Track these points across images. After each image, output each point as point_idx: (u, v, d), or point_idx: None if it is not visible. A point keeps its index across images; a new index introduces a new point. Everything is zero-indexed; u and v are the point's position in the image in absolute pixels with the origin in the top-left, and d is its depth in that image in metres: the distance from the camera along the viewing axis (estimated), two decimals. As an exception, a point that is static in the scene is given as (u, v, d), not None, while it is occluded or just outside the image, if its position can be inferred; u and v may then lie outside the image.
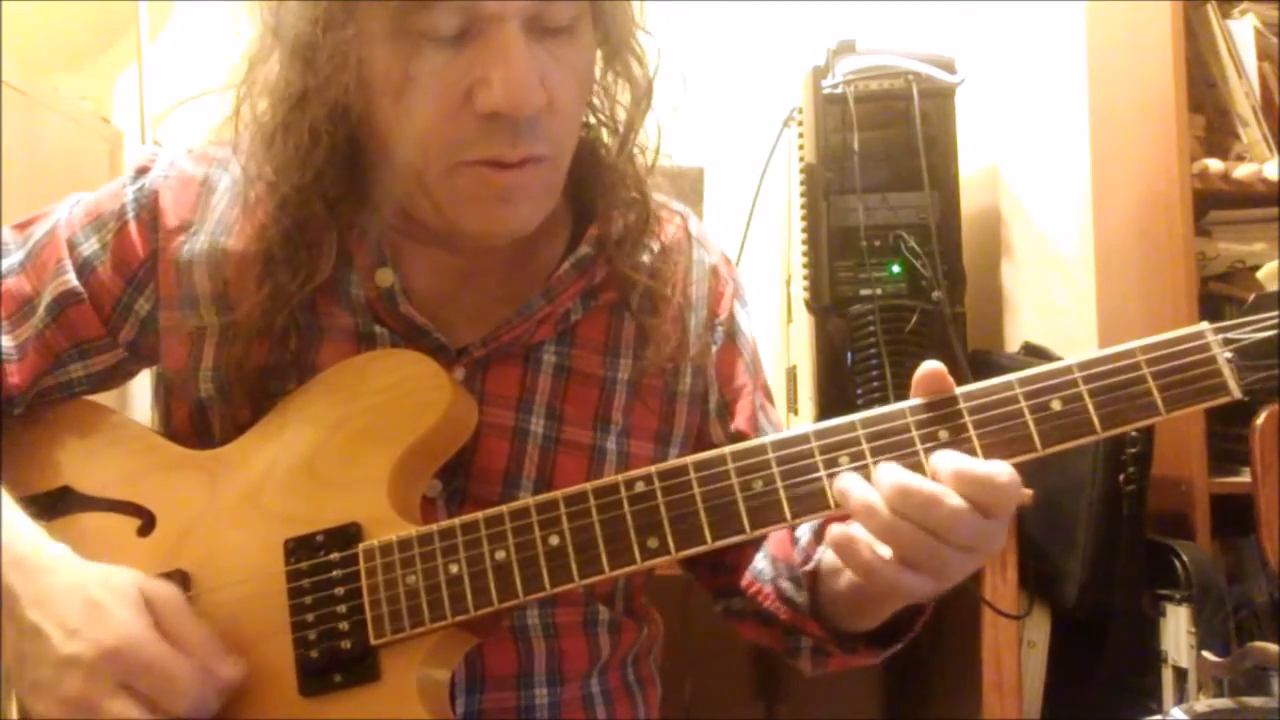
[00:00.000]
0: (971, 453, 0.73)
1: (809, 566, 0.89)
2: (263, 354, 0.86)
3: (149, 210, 0.91)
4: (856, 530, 0.73)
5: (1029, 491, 1.62)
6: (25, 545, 0.80)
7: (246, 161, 0.87)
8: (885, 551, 0.73)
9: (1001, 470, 0.71)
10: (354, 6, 0.77)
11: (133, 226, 0.91)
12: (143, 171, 0.94)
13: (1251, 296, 0.71)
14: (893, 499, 0.71)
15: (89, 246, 0.92)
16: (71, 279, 0.91)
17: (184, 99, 2.02)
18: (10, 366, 0.90)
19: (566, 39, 0.80)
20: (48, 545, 0.81)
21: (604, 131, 0.93)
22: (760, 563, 0.96)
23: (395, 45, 0.78)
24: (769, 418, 1.01)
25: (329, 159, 0.84)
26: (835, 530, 0.75)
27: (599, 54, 0.87)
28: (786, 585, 0.92)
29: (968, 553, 0.72)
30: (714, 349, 0.98)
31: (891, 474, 0.72)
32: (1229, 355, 0.71)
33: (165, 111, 2.05)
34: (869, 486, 0.72)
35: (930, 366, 0.75)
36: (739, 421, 0.98)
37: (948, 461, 0.72)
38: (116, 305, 0.91)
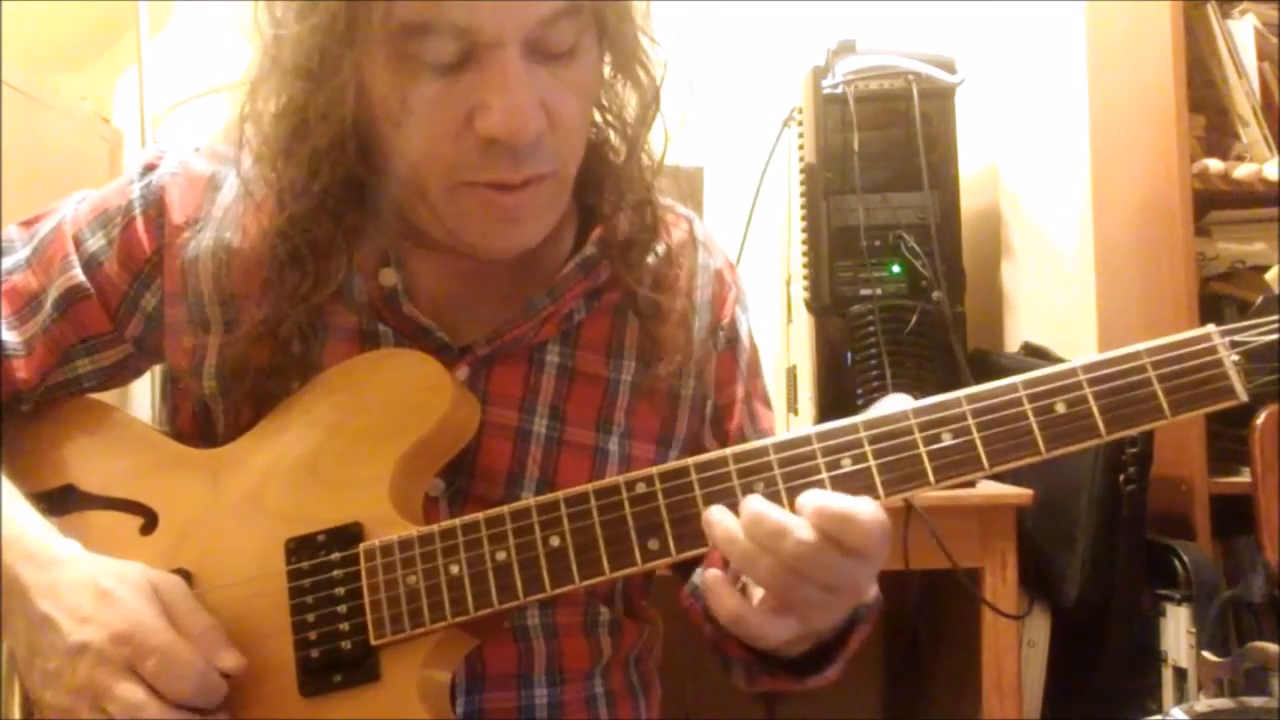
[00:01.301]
0: (974, 455, 0.72)
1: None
2: (266, 354, 0.86)
3: (155, 206, 0.91)
4: (721, 576, 0.73)
5: (1028, 492, 1.65)
6: (35, 539, 0.81)
7: (253, 181, 0.87)
8: (754, 595, 0.72)
9: (862, 508, 0.70)
10: (353, 35, 0.77)
11: (139, 222, 0.91)
12: (150, 168, 0.94)
13: (1259, 298, 0.71)
14: (747, 527, 0.71)
15: (95, 242, 0.92)
16: (78, 274, 0.91)
17: (184, 99, 2.01)
18: (18, 362, 0.91)
19: (568, 60, 0.80)
20: (58, 540, 0.81)
21: (611, 133, 0.92)
22: (696, 575, 0.96)
23: (395, 72, 0.77)
24: (757, 428, 1.00)
25: (334, 176, 0.84)
26: (707, 575, 0.75)
27: (607, 60, 0.87)
28: None
29: (829, 592, 0.71)
30: (715, 354, 0.98)
31: (752, 504, 0.72)
32: (1235, 358, 0.70)
33: (165, 111, 2.05)
34: (731, 516, 0.72)
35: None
36: (731, 430, 0.98)
37: (811, 497, 0.71)
38: (123, 300, 0.91)
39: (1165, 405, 0.71)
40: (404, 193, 0.84)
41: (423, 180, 0.81)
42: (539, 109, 0.77)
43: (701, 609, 0.94)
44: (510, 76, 0.76)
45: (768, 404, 1.04)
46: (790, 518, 0.70)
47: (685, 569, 1.00)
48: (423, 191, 0.82)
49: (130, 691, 0.73)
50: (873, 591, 0.83)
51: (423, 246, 0.90)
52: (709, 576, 0.74)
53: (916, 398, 0.75)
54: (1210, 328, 0.71)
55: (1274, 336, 0.69)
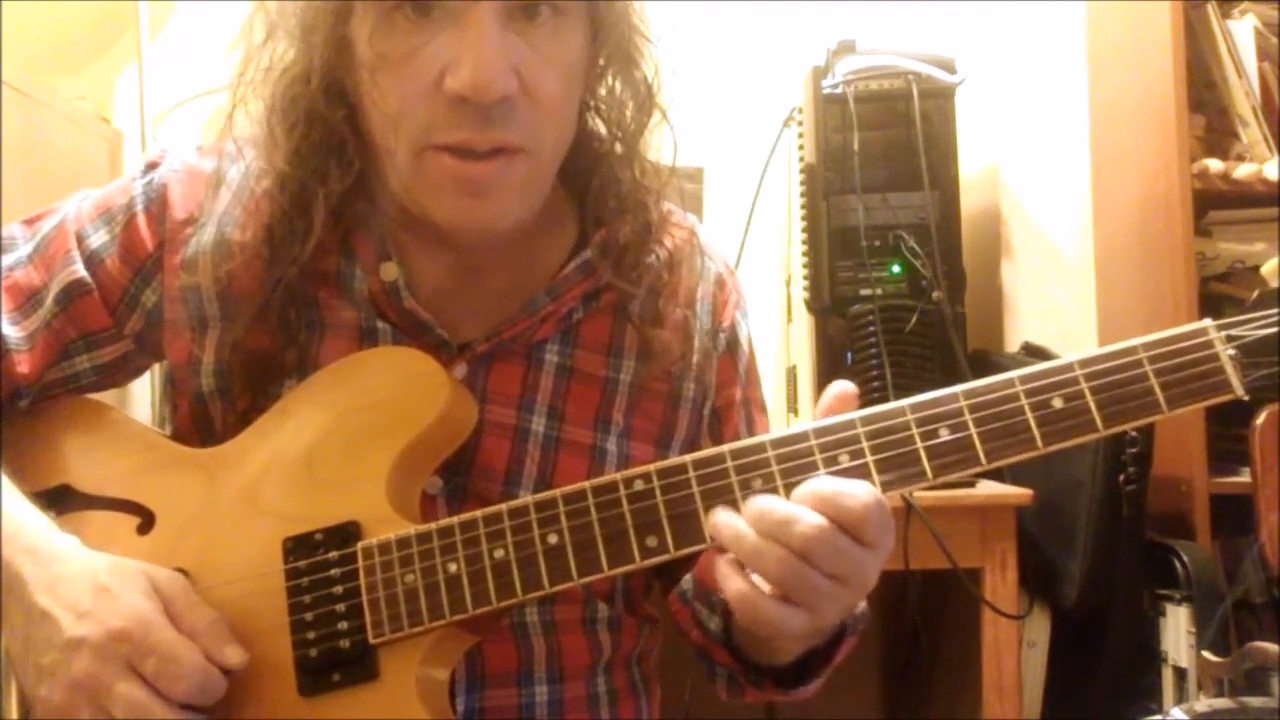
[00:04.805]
0: (972, 450, 0.72)
1: None
2: (263, 341, 0.86)
3: (157, 203, 0.92)
4: (729, 558, 0.73)
5: (1028, 492, 1.64)
6: (35, 534, 0.80)
7: (248, 145, 0.88)
8: (762, 584, 0.72)
9: (855, 488, 0.70)
10: None
11: (141, 219, 0.92)
12: (152, 166, 0.94)
13: (1255, 293, 0.71)
14: (754, 521, 0.70)
15: (98, 239, 0.92)
16: (79, 270, 0.91)
17: (184, 99, 2.01)
18: (20, 356, 0.91)
19: (550, 30, 0.80)
20: (57, 535, 0.81)
21: (610, 133, 0.92)
22: (685, 582, 0.96)
23: (377, 24, 0.79)
24: (753, 434, 1.00)
25: (327, 142, 0.85)
26: (718, 560, 0.74)
27: (601, 58, 0.87)
28: (702, 608, 0.91)
29: (837, 582, 0.70)
30: (715, 357, 0.98)
31: (757, 500, 0.71)
32: (1232, 352, 0.70)
33: (165, 111, 2.05)
34: (736, 515, 0.72)
35: (840, 388, 0.76)
36: (727, 434, 0.98)
37: (806, 484, 0.71)
38: (124, 296, 0.92)
39: (1162, 400, 0.71)
40: (384, 166, 0.85)
41: (392, 142, 0.82)
42: (509, 71, 0.78)
43: (690, 614, 0.93)
44: (481, 34, 0.77)
45: (764, 411, 1.04)
46: (796, 507, 0.70)
47: (668, 577, 1.00)
48: (392, 157, 0.83)
49: (130, 691, 0.72)
50: (861, 605, 0.83)
51: (423, 241, 0.90)
52: (719, 561, 0.74)
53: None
54: (1207, 322, 0.71)
55: (1271, 330, 0.69)
